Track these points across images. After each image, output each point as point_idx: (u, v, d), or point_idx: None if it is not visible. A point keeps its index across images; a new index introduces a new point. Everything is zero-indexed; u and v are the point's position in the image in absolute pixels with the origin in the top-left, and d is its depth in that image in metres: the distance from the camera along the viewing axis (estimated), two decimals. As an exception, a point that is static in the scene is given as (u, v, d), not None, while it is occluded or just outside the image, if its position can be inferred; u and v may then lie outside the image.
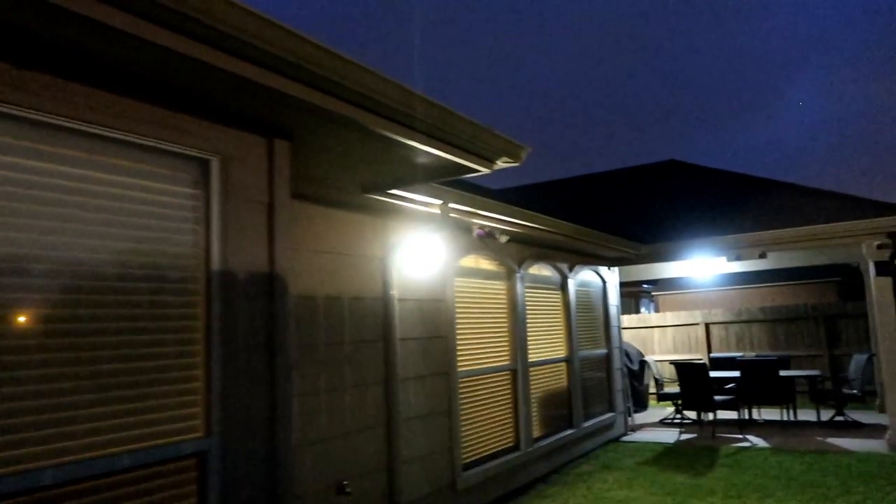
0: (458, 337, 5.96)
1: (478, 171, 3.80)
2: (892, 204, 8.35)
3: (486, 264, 6.63)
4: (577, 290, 8.59)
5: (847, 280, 14.03)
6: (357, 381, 4.68)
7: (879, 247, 8.08)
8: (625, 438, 9.43)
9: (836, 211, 8.55)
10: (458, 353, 5.93)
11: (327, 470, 4.32)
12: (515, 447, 6.72)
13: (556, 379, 7.85)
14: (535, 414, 7.20)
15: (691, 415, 10.55)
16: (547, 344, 7.72)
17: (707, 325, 13.81)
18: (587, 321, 8.92)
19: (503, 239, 6.34)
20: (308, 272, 4.38)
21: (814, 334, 12.74)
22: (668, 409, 11.52)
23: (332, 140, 3.26)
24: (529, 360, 7.13)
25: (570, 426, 7.94)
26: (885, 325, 8.07)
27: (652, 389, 11.63)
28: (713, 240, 8.84)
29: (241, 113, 2.88)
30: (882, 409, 10.67)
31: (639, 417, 11.35)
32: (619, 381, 9.60)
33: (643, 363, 11.51)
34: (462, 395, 5.96)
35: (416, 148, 3.35)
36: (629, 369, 11.54)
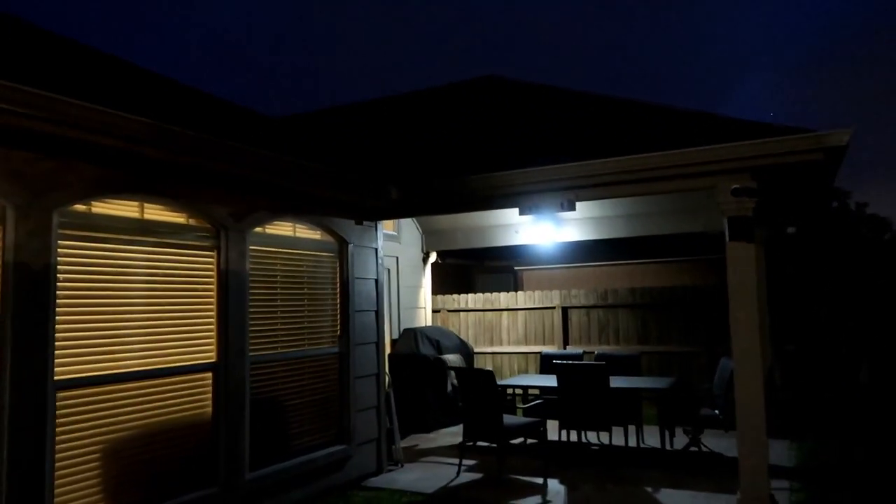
0: None
1: None
2: (761, 125, 5.24)
3: None
4: (258, 254, 5.26)
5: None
6: None
7: (736, 192, 4.97)
8: (371, 482, 6.22)
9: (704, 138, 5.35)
10: None
11: None
12: (-8, 550, 3.40)
13: (178, 404, 4.53)
14: (78, 478, 3.88)
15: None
16: (157, 343, 4.39)
17: (565, 310, 10.73)
18: (293, 304, 5.62)
19: None
20: None
21: (691, 325, 9.77)
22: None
23: None
24: (66, 378, 3.79)
25: (210, 483, 4.66)
26: (741, 318, 5.01)
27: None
28: (494, 179, 5.60)
29: None
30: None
31: (443, 436, 8.20)
32: (368, 395, 6.36)
33: (440, 361, 8.33)
34: None
35: None
36: (424, 370, 8.36)
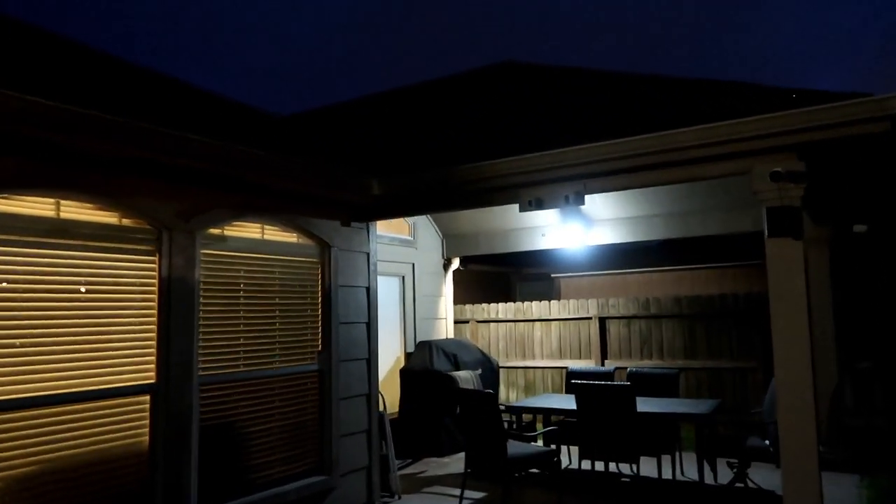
0: None
1: None
2: (809, 92, 4.27)
3: None
4: (213, 259, 4.62)
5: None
6: None
7: (776, 176, 4.01)
8: (357, 517, 5.49)
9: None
10: None
11: None
12: None
13: (106, 433, 3.91)
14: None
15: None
16: (77, 362, 3.79)
17: (602, 321, 9.74)
18: (261, 316, 4.95)
19: None
20: None
21: (745, 338, 8.64)
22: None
23: None
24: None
25: (144, 524, 4.02)
26: (784, 330, 4.04)
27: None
28: (483, 169, 4.81)
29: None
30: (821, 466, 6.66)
31: (457, 461, 7.37)
32: (356, 418, 5.63)
33: (449, 378, 7.50)
34: None
35: None
36: (437, 387, 7.57)
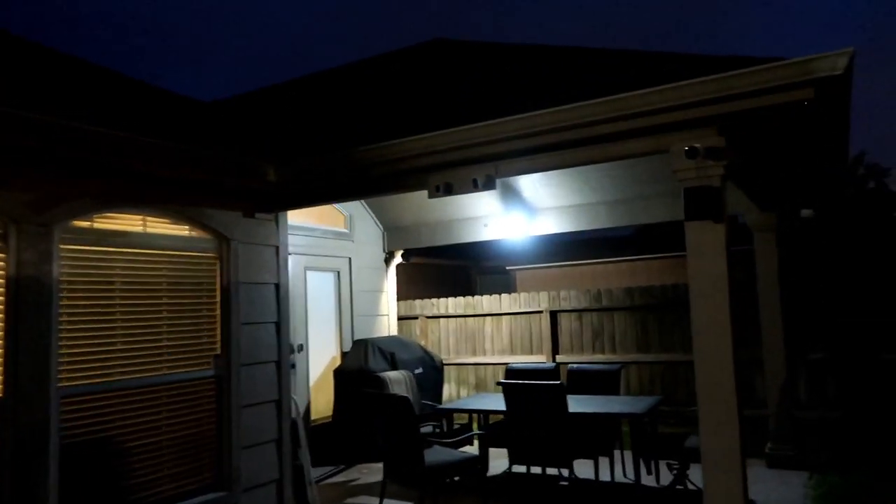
0: None
1: None
2: (733, 58, 3.86)
3: None
4: (79, 255, 4.12)
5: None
6: None
7: (692, 153, 3.61)
8: (263, 534, 5.04)
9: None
10: None
11: None
12: None
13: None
14: None
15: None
16: None
17: (553, 314, 9.35)
18: (144, 318, 4.46)
19: None
20: None
21: (698, 329, 8.29)
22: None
23: None
24: None
25: (-12, 557, 3.54)
26: (704, 320, 3.67)
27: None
28: (384, 150, 4.36)
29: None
30: (770, 464, 6.38)
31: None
32: (263, 426, 5.16)
33: (379, 379, 7.04)
34: None
35: None
36: (371, 389, 7.11)
